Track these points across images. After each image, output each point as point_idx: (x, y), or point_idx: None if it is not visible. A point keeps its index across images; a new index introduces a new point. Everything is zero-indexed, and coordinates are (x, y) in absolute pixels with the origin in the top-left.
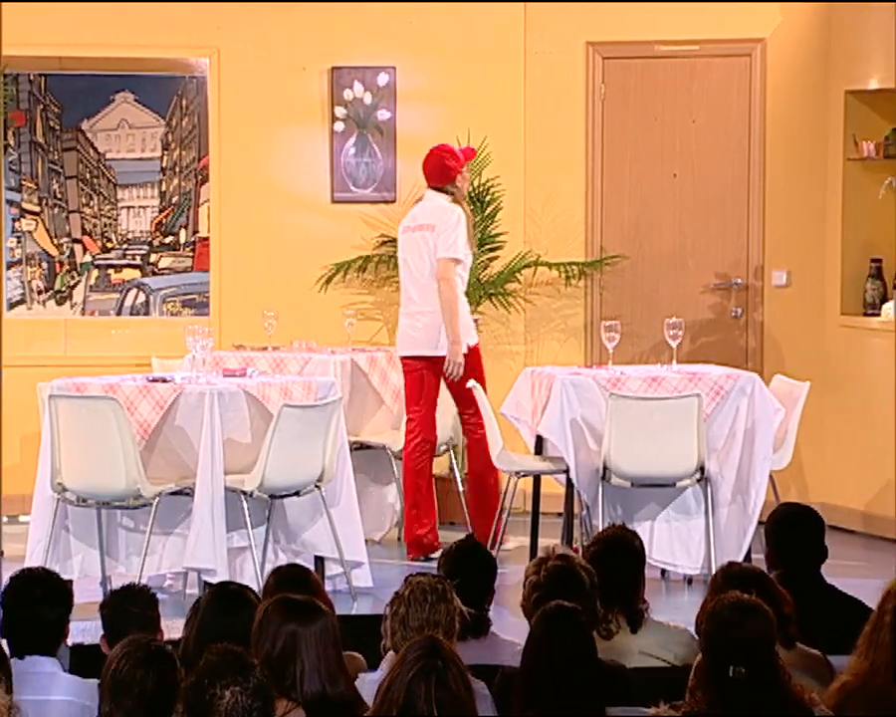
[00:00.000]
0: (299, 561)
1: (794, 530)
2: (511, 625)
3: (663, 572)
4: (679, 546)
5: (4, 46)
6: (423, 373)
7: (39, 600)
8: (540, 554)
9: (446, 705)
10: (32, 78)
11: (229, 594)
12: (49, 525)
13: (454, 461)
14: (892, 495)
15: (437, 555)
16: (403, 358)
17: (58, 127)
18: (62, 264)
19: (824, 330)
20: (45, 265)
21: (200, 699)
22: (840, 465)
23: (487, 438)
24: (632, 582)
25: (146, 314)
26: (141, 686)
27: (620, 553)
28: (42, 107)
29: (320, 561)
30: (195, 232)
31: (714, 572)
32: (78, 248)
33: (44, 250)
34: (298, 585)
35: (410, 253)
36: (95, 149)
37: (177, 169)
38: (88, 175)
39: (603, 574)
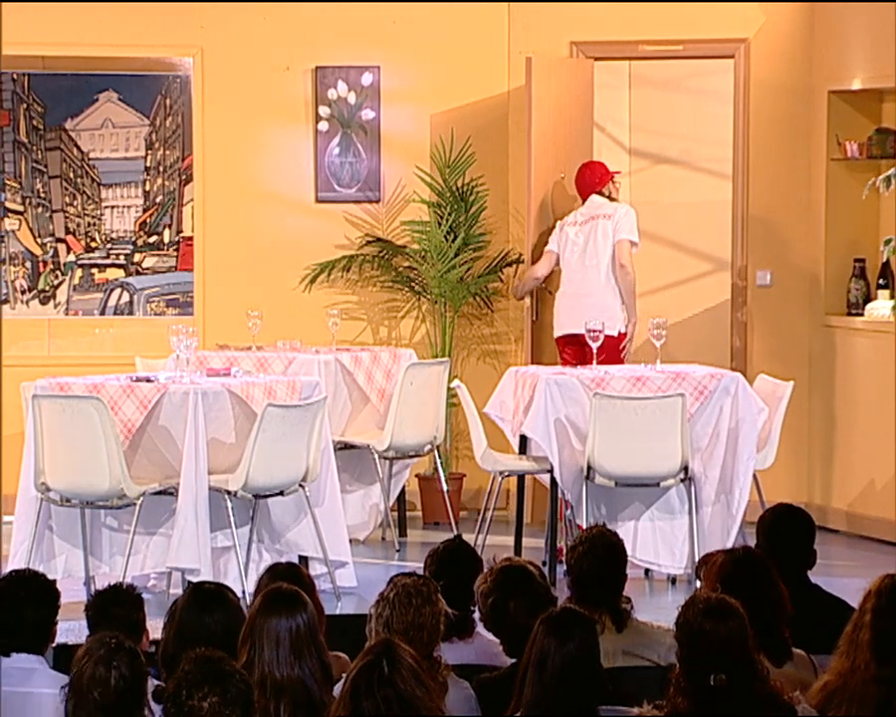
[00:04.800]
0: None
1: (784, 529)
2: None
3: (647, 571)
4: (663, 545)
5: None
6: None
7: (25, 602)
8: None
9: (393, 702)
10: (15, 77)
11: (206, 593)
12: (32, 525)
13: (438, 461)
14: (875, 494)
15: None
16: (567, 336)
17: (41, 127)
18: (45, 263)
19: (808, 329)
20: (28, 264)
21: (179, 710)
22: (824, 465)
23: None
24: (615, 581)
25: (130, 313)
26: (104, 684)
27: (603, 553)
28: (25, 106)
29: (304, 560)
30: (179, 232)
31: (702, 562)
32: (61, 247)
33: (27, 249)
34: (292, 584)
35: (587, 239)
36: (78, 149)
37: (161, 169)
38: (71, 175)
39: (587, 574)
